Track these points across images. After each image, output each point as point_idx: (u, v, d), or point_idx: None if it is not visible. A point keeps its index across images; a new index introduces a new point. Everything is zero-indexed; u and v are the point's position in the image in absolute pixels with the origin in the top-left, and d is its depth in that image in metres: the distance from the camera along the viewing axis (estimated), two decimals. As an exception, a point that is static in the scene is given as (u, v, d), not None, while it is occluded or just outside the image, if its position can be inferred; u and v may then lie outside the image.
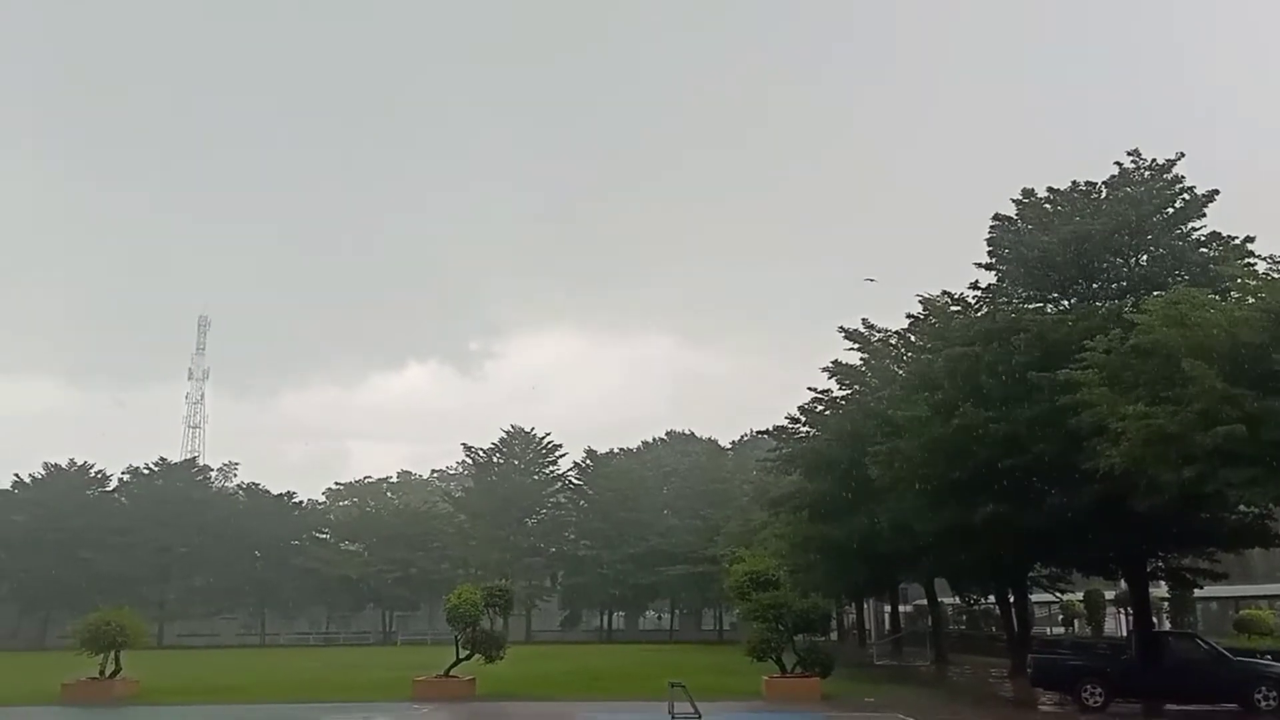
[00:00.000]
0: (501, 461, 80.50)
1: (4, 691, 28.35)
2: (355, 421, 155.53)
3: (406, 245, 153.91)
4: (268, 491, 77.85)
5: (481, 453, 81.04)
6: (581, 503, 79.84)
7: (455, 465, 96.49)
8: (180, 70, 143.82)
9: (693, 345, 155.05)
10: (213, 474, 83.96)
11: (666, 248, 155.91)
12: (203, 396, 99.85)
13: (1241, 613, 41.42)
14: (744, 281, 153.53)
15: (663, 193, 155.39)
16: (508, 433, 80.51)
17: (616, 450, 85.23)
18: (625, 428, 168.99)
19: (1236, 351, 16.81)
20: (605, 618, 78.68)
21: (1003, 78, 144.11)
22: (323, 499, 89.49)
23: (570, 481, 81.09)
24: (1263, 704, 21.20)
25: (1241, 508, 23.67)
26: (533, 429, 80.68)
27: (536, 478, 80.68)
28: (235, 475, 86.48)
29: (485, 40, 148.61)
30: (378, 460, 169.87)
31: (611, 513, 75.15)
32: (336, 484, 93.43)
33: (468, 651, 25.75)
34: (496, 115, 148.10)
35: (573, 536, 79.62)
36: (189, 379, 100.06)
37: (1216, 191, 24.29)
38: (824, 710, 22.50)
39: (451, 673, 25.59)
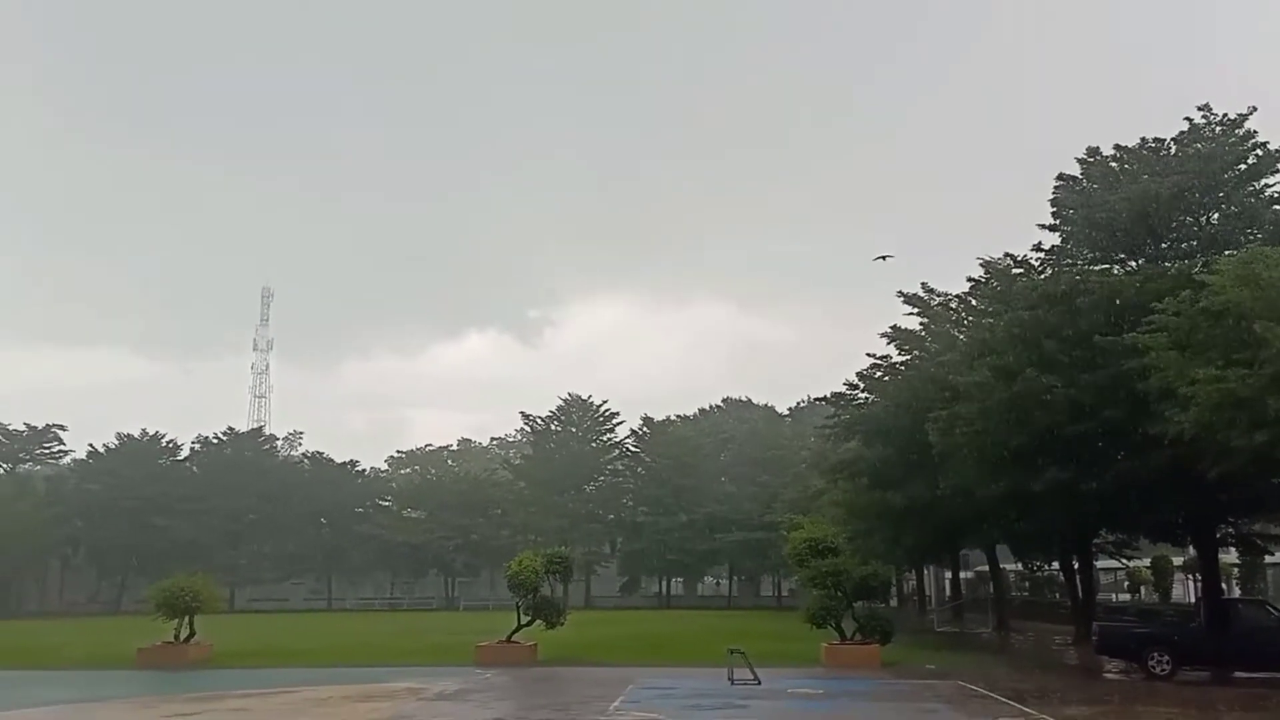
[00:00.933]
0: (559, 429, 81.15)
1: (82, 655, 29.51)
2: (416, 390, 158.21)
3: (465, 216, 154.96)
4: (331, 460, 79.52)
5: (540, 420, 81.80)
6: (639, 470, 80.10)
7: (514, 433, 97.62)
8: (244, 43, 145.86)
9: (751, 311, 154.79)
10: (279, 443, 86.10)
11: (725, 213, 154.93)
12: (267, 367, 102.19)
13: (1315, 579, 40.38)
14: (803, 247, 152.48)
15: (720, 160, 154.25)
16: (565, 400, 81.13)
17: (674, 417, 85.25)
18: (683, 395, 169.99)
19: (1313, 312, 16.26)
20: (664, 584, 79.18)
21: (1070, 38, 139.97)
22: (385, 467, 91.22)
23: (628, 449, 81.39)
24: (1336, 672, 20.73)
25: (1316, 473, 23.03)
26: (590, 396, 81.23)
27: (594, 445, 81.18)
28: (300, 444, 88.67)
29: (534, 14, 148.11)
30: (439, 429, 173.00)
31: (669, 479, 75.30)
32: (399, 452, 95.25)
33: (529, 617, 26.15)
34: (550, 87, 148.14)
35: (630, 503, 79.93)
36: (254, 350, 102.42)
37: (1294, 145, 23.46)
38: (883, 677, 22.43)
39: (513, 638, 26.02)
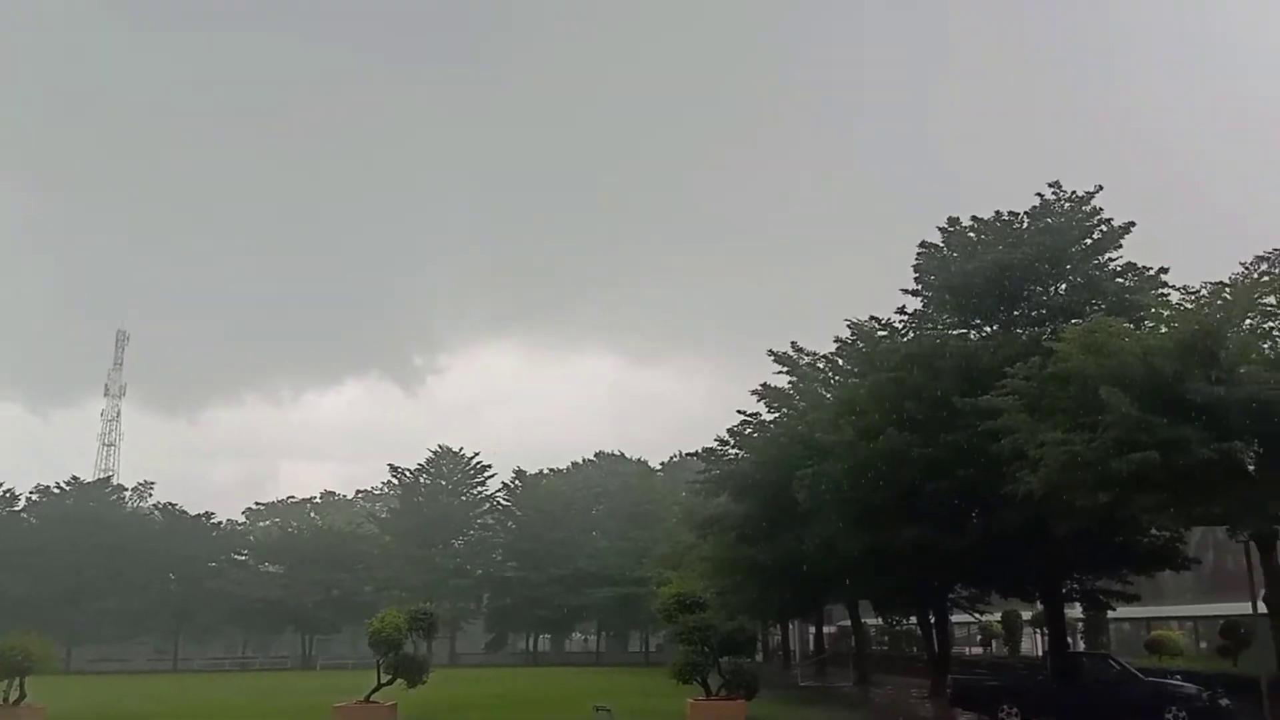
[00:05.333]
0: (428, 482, 79.55)
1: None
2: (288, 440, 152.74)
3: (352, 258, 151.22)
4: (184, 512, 75.46)
5: (408, 473, 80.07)
6: (510, 524, 79.24)
7: (381, 486, 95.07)
8: (105, 77, 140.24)
9: (639, 365, 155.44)
10: (127, 493, 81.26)
11: (617, 266, 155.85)
12: (119, 413, 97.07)
13: (1153, 633, 42.35)
14: (693, 301, 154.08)
15: (616, 212, 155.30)
16: (435, 453, 79.71)
17: (546, 471, 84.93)
18: (569, 448, 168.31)
19: (1150, 380, 17.21)
20: (531, 640, 78.01)
21: (916, 116, 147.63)
22: (243, 519, 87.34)
23: (499, 502, 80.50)
24: (1173, 723, 21.78)
25: (1154, 531, 24.41)
26: (461, 449, 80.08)
27: (464, 498, 79.92)
28: (150, 495, 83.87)
29: (425, 53, 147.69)
30: (308, 480, 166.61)
31: (540, 534, 74.68)
32: (257, 504, 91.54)
33: (389, 676, 25.23)
34: (441, 131, 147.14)
35: (500, 558, 78.96)
36: (105, 395, 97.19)
37: (1133, 223, 25.05)
38: (749, 733, 22.49)
39: (372, 698, 25.01)
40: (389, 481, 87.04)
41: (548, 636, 79.52)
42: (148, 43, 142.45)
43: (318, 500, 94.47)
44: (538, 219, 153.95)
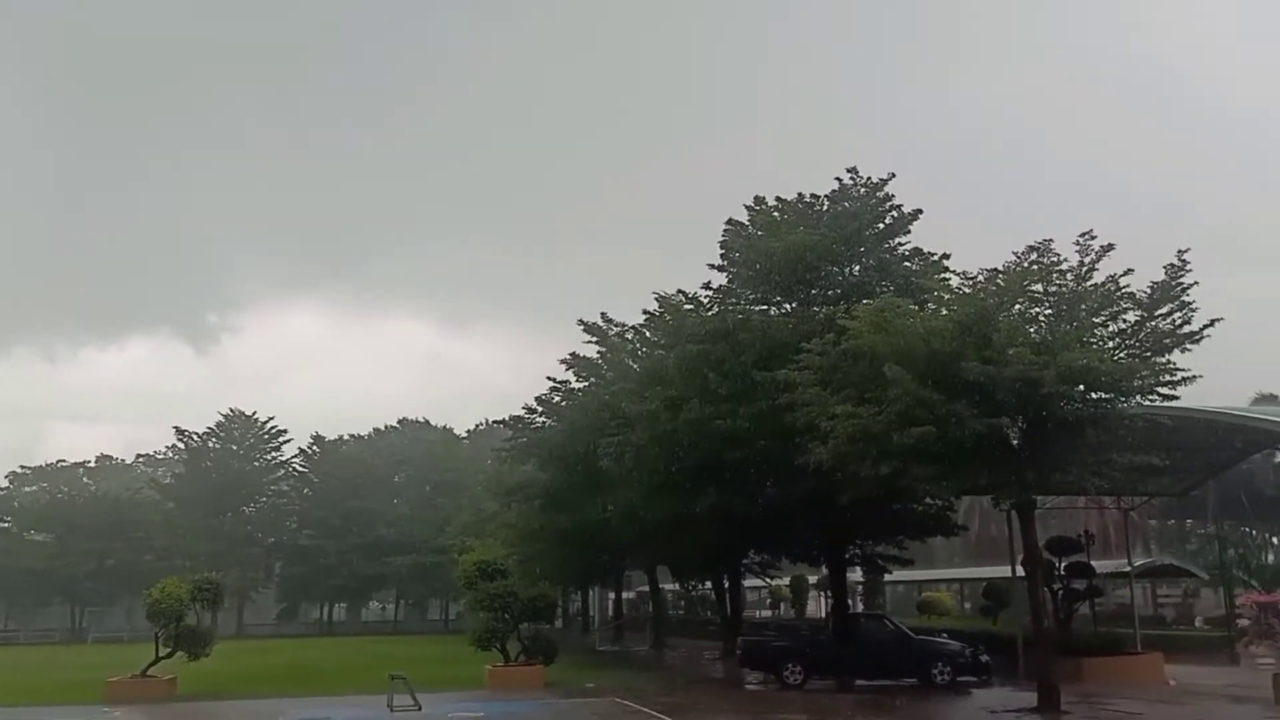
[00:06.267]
0: (218, 446, 75.58)
1: None
2: (63, 401, 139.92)
3: (137, 210, 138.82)
4: (-65, 476, 68.87)
5: (196, 437, 75.81)
6: (306, 491, 76.75)
7: (165, 450, 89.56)
8: None
9: (448, 331, 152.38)
10: None
11: (426, 231, 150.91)
12: None
13: (924, 595, 45.80)
14: (505, 270, 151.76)
15: (430, 172, 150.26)
16: (226, 416, 75.84)
17: (346, 437, 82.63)
18: (373, 413, 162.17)
19: (930, 358, 18.32)
20: (326, 610, 75.97)
21: (751, 87, 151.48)
22: (5, 484, 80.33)
23: (295, 469, 77.72)
24: (939, 678, 23.65)
25: (928, 500, 26.24)
26: (255, 413, 76.51)
27: (257, 464, 76.59)
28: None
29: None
30: (85, 444, 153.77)
31: (338, 502, 72.78)
32: (23, 468, 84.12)
33: (169, 649, 23.96)
34: (245, 71, 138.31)
35: (295, 526, 76.38)
36: None
37: (920, 211, 26.63)
38: (544, 697, 22.79)
39: (150, 672, 23.71)
40: (174, 446, 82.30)
41: (344, 606, 77.66)
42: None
43: (92, 465, 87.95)
44: (349, 173, 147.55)
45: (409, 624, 73.95)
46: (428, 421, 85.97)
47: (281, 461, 77.47)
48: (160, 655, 23.87)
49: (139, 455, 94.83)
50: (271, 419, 76.19)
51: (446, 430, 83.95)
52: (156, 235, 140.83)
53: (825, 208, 27.40)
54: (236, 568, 67.95)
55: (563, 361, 35.57)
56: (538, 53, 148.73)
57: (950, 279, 21.94)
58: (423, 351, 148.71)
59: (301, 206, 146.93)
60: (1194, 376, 18.18)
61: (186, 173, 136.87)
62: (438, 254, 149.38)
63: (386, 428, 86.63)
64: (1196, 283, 18.56)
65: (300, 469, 77.57)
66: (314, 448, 77.38)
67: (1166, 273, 18.70)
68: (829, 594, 37.16)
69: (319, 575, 71.23)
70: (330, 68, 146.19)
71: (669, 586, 52.46)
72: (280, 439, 76.70)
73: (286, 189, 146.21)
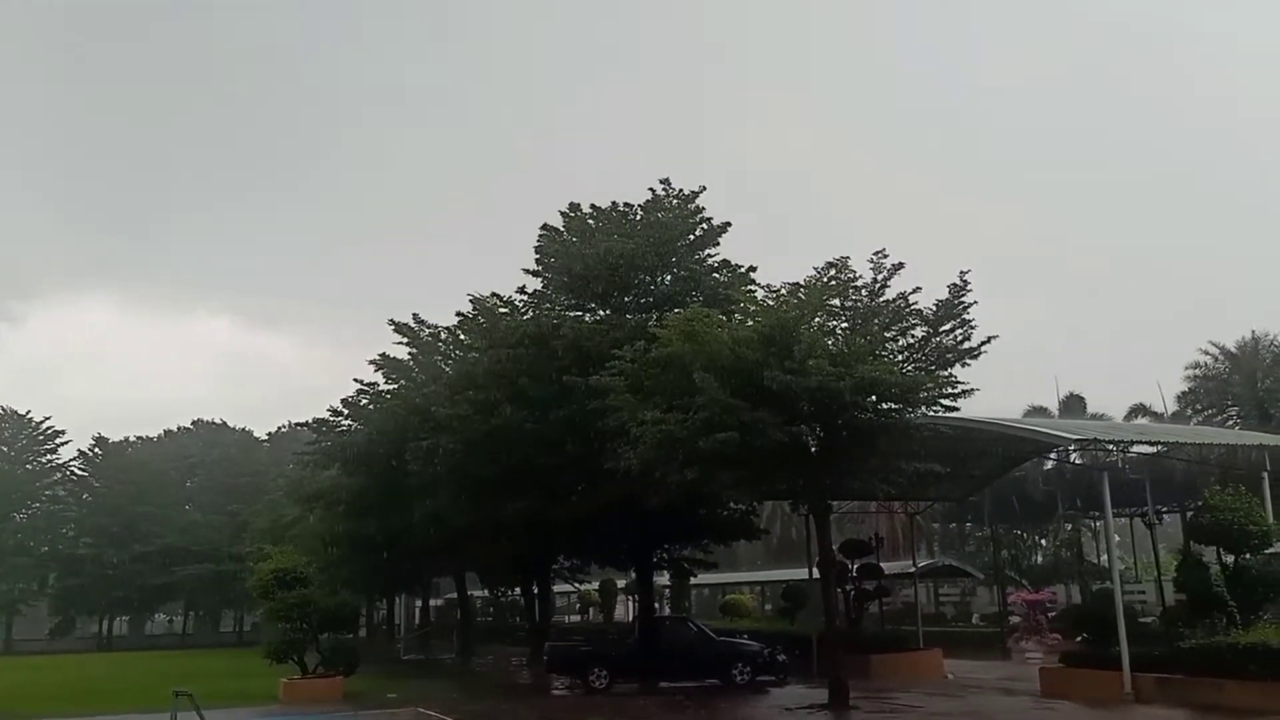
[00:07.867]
0: (-15, 447, 69.46)
1: None
2: None
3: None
4: None
5: (-43, 437, 69.33)
6: (86, 496, 71.59)
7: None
8: None
9: (252, 330, 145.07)
10: None
11: (233, 223, 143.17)
12: None
13: (727, 597, 47.16)
14: (316, 268, 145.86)
15: (241, 169, 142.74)
16: (-5, 414, 69.75)
17: (134, 439, 77.45)
18: (166, 413, 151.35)
19: (736, 367, 18.90)
20: (105, 624, 70.94)
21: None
22: None
23: (73, 473, 72.29)
24: (739, 678, 24.40)
25: (732, 505, 27.08)
26: (29, 412, 70.75)
27: (30, 467, 70.88)
28: None
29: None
30: None
31: (122, 507, 68.19)
32: None
33: (-82, 670, 21.78)
34: (41, 48, 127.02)
35: (72, 534, 71.04)
36: None
37: (729, 224, 27.49)
38: (343, 710, 22.00)
39: (-107, 696, 21.48)
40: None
41: (126, 619, 72.74)
42: None
43: None
44: (154, 160, 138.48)
45: (199, 637, 70.09)
46: (225, 423, 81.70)
47: (58, 465, 72.08)
48: (-93, 677, 21.68)
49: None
50: (48, 418, 70.99)
51: (245, 433, 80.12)
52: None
53: (639, 217, 27.82)
54: (5, 579, 63.02)
55: (372, 362, 34.71)
56: (351, 46, 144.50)
57: (756, 291, 22.69)
58: (226, 351, 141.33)
59: (99, 193, 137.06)
60: (973, 389, 19.50)
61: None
62: (244, 249, 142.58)
63: (179, 429, 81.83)
64: (976, 302, 19.97)
65: (80, 472, 72.28)
66: (95, 450, 72.23)
67: (950, 292, 19.99)
68: (636, 598, 37.71)
69: (99, 586, 66.60)
70: (134, 48, 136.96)
71: (478, 593, 51.90)
72: (57, 440, 71.46)
73: (85, 174, 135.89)
